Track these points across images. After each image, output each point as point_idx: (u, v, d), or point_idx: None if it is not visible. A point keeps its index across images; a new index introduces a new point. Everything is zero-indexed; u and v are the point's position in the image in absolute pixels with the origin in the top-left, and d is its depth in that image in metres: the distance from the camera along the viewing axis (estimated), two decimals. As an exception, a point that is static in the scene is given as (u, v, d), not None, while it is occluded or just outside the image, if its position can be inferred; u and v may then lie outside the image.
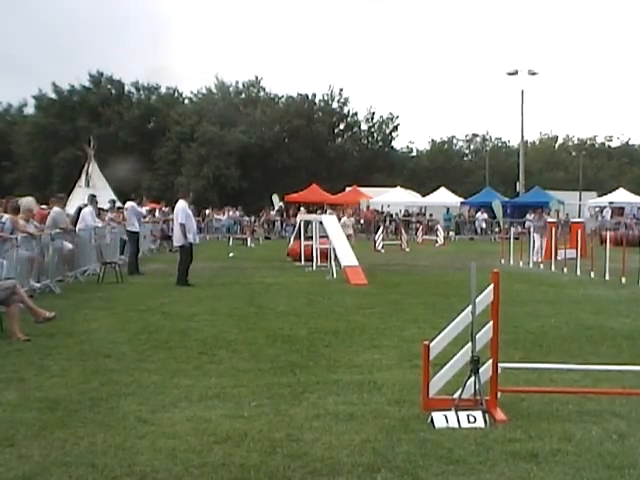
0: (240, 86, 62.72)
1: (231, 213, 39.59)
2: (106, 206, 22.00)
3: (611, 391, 5.86)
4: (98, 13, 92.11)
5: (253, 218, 39.84)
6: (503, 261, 20.43)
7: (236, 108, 58.83)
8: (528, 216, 33.19)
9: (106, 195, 27.92)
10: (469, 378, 5.24)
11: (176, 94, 62.57)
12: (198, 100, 61.85)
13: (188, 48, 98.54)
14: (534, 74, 45.53)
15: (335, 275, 15.76)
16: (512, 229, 33.09)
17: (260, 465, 4.29)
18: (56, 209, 15.01)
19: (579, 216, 40.01)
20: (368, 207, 43.06)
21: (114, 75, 59.85)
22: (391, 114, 63.02)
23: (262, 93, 62.61)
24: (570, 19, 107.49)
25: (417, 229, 36.54)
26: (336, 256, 16.18)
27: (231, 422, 5.11)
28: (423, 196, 45.93)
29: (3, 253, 11.17)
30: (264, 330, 8.94)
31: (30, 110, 60.22)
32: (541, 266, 19.44)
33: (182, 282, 14.15)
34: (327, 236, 17.23)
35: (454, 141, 70.44)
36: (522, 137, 48.54)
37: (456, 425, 4.98)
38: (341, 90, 61.38)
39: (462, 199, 43.78)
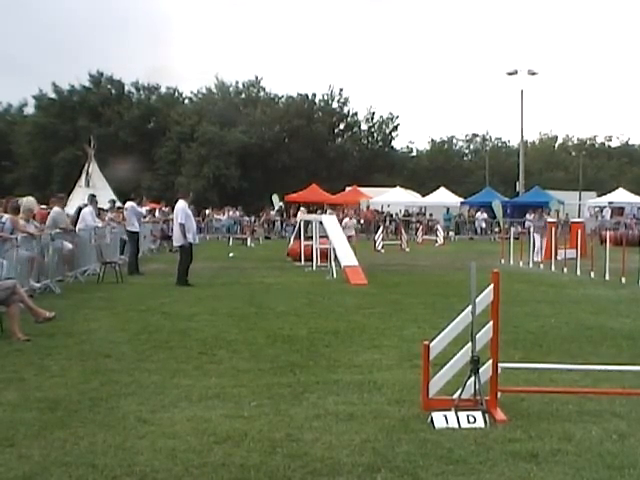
0: (240, 86, 62.86)
1: (231, 213, 39.60)
2: (106, 206, 22.02)
3: (611, 391, 5.86)
4: (98, 13, 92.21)
5: (253, 218, 39.85)
6: (503, 261, 20.43)
7: (236, 108, 58.85)
8: (528, 216, 33.22)
9: (106, 195, 27.95)
10: (469, 378, 5.24)
11: (176, 94, 62.62)
12: (198, 100, 61.87)
13: (188, 48, 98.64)
14: (534, 74, 45.58)
15: (335, 275, 15.76)
16: (512, 229, 33.11)
17: (260, 465, 4.29)
18: (56, 209, 15.01)
19: (579, 216, 39.99)
20: (368, 207, 43.06)
21: (114, 75, 60.03)
22: (391, 114, 63.16)
23: (262, 93, 62.64)
24: (570, 19, 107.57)
25: (417, 229, 36.54)
26: (336, 256, 16.19)
27: (231, 422, 5.11)
28: (423, 196, 45.93)
29: (3, 253, 11.17)
30: (264, 330, 8.94)
31: (30, 110, 60.41)
32: (541, 266, 19.44)
33: (182, 282, 14.15)
34: (327, 236, 17.24)
35: (454, 141, 70.52)
36: (522, 137, 48.64)
37: (456, 425, 4.98)
38: (341, 90, 61.53)
39: (462, 199, 43.78)
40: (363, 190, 45.18)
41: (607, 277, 15.49)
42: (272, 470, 4.22)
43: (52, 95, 58.45)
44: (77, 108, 57.39)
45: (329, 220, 18.35)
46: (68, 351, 7.59)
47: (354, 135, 62.86)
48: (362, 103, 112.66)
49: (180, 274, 14.33)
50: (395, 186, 46.44)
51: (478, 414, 5.07)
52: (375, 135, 63.89)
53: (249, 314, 10.41)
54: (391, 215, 42.14)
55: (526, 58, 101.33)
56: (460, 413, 5.06)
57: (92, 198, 18.42)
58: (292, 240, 22.21)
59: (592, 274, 16.12)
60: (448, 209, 41.77)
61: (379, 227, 31.34)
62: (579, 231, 18.68)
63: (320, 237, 18.19)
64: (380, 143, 63.91)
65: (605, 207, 41.23)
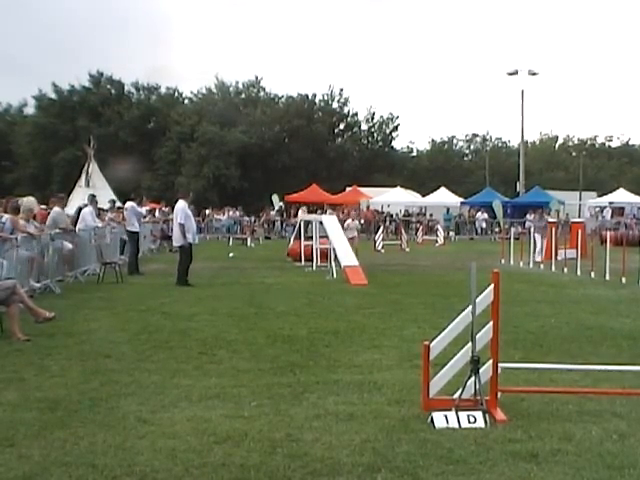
0: (240, 86, 62.80)
1: (231, 213, 39.60)
2: (106, 206, 22.02)
3: (611, 391, 5.86)
4: (98, 13, 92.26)
5: (253, 218, 39.84)
6: (503, 261, 20.43)
7: (236, 108, 58.83)
8: (528, 216, 33.18)
9: (106, 195, 27.94)
10: (469, 378, 5.24)
11: (176, 94, 62.59)
12: (198, 100, 61.85)
13: (188, 48, 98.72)
14: (534, 74, 45.56)
15: (335, 275, 15.76)
16: (512, 229, 33.10)
17: (260, 465, 4.29)
18: (56, 209, 15.01)
19: (579, 216, 40.01)
20: (368, 207, 43.05)
21: (114, 75, 60.00)
22: (391, 114, 63.12)
23: (262, 93, 62.62)
24: (570, 19, 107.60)
25: (417, 229, 36.54)
26: (336, 256, 16.19)
27: (231, 422, 5.11)
28: (423, 196, 45.92)
29: (3, 253, 11.17)
30: (264, 330, 8.94)
31: (30, 110, 60.38)
32: (541, 266, 19.43)
33: (182, 282, 14.16)
34: (327, 236, 17.24)
35: (454, 141, 70.51)
36: (522, 137, 48.61)
37: (456, 425, 4.98)
38: (341, 90, 61.49)
39: (462, 199, 43.77)
40: (363, 190, 45.16)
41: (607, 277, 15.49)
42: (272, 470, 4.22)
43: (52, 95, 58.50)
44: (77, 108, 57.37)
45: (329, 220, 18.35)
46: (68, 351, 7.59)
47: (354, 135, 62.84)
48: (362, 103, 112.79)
49: (180, 274, 14.33)
50: (395, 186, 46.44)
51: (478, 414, 5.07)
52: (375, 135, 63.87)
53: (249, 314, 10.41)
54: (391, 215, 42.14)
55: (526, 58, 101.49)
56: (460, 413, 5.06)
57: (92, 198, 18.42)
58: (292, 240, 22.21)
59: (592, 274, 16.12)
60: (448, 209, 41.77)
61: (379, 227, 31.36)
62: (579, 231, 18.68)
63: (320, 237, 18.19)
64: (380, 143, 63.89)
65: (605, 207, 41.23)
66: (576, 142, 71.87)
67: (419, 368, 5.64)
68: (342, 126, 62.65)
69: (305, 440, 4.73)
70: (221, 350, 7.68)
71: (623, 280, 14.76)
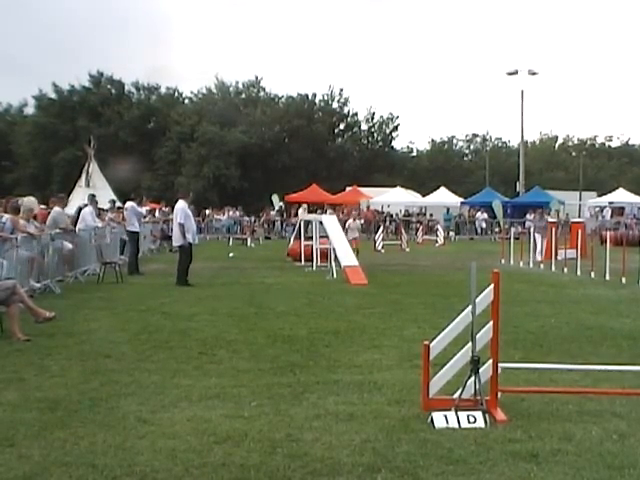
0: (240, 86, 62.82)
1: (231, 213, 39.59)
2: (106, 206, 22.02)
3: (611, 391, 5.86)
4: (98, 13, 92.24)
5: (253, 218, 39.82)
6: (503, 261, 20.43)
7: (236, 108, 58.83)
8: (528, 216, 33.20)
9: (106, 195, 27.94)
10: (469, 378, 5.23)
11: (176, 94, 62.60)
12: (198, 100, 61.86)
13: (188, 48, 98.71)
14: (534, 74, 45.55)
15: (335, 275, 15.76)
16: (512, 229, 33.10)
17: (260, 465, 4.29)
18: (56, 209, 15.02)
19: (579, 216, 40.00)
20: (368, 207, 43.04)
21: (114, 75, 60.01)
22: (391, 114, 63.16)
23: (262, 93, 62.63)
24: (570, 19, 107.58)
25: (417, 229, 36.52)
26: (336, 256, 16.19)
27: (231, 422, 5.11)
28: (423, 196, 45.91)
29: (3, 253, 11.17)
30: (264, 330, 8.94)
31: (30, 110, 60.40)
32: (541, 266, 19.43)
33: (182, 282, 14.16)
34: (327, 236, 17.23)
35: (454, 141, 70.54)
36: (522, 137, 48.59)
37: (456, 425, 4.98)
38: (341, 90, 61.52)
39: (462, 199, 43.76)
40: (363, 190, 45.15)
41: (607, 277, 15.49)
42: (272, 470, 4.22)
43: (52, 95, 58.54)
44: (77, 108, 57.38)
45: (329, 220, 18.35)
46: (68, 351, 7.59)
47: (354, 135, 62.86)
48: (362, 103, 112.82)
49: (180, 274, 14.33)
50: (395, 186, 46.43)
51: (478, 414, 5.06)
52: (375, 135, 63.88)
53: (249, 314, 10.41)
54: (391, 215, 42.12)
55: (526, 58, 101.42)
56: (460, 413, 5.06)
57: (92, 198, 18.43)
58: (292, 240, 22.21)
59: (592, 274, 16.12)
60: (448, 209, 41.76)
61: (379, 227, 31.35)
62: (579, 231, 18.68)
63: (320, 237, 18.19)
64: (380, 143, 63.91)
65: (605, 207, 41.23)
66: (576, 142, 71.95)
67: (419, 368, 5.64)
68: (342, 126, 62.68)
69: (305, 440, 4.73)
70: (221, 350, 7.68)
71: (623, 280, 14.75)
